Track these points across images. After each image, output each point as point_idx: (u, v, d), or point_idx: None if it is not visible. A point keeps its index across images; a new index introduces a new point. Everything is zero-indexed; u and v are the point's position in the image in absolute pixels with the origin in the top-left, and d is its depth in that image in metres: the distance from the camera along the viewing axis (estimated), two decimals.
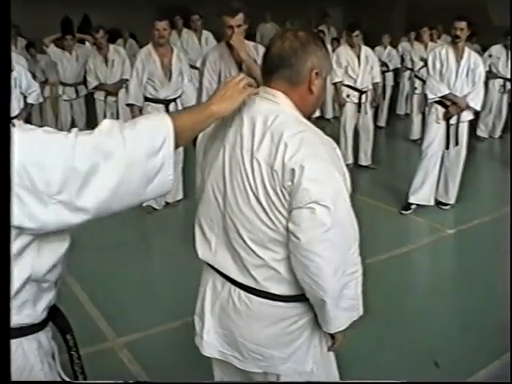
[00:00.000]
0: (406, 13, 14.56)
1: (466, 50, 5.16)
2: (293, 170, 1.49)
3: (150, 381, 2.92)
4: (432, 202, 5.41)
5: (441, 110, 5.11)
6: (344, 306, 1.62)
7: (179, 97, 5.19)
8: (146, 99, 5.10)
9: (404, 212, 5.32)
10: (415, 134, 8.13)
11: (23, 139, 1.23)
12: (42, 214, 1.25)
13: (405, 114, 9.51)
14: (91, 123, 7.18)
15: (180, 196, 5.53)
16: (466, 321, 3.50)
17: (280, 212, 1.55)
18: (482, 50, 8.49)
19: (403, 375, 2.94)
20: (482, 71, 5.17)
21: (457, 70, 5.06)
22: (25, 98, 5.32)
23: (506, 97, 8.40)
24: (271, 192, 1.54)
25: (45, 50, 7.34)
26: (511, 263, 3.33)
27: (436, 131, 5.17)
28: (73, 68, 7.26)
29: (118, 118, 6.78)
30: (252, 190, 1.57)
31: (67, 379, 1.55)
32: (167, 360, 3.06)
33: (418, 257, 4.69)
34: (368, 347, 3.10)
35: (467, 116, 5.16)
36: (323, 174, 1.52)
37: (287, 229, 1.56)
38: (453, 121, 5.11)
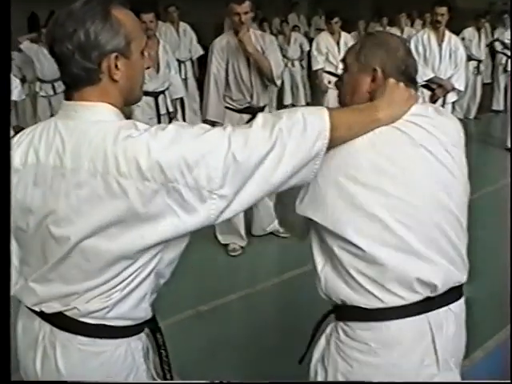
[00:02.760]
0: None
1: (447, 33, 5.33)
2: None
3: None
4: None
5: (426, 93, 5.26)
6: None
7: (167, 89, 5.17)
8: None
9: None
10: None
11: (185, 135, 1.25)
12: (202, 209, 1.26)
13: None
14: None
15: None
16: (466, 297, 3.61)
17: None
18: (452, 32, 8.68)
19: None
20: (462, 53, 5.37)
21: (440, 54, 5.23)
22: None
23: (479, 78, 8.62)
24: None
25: (19, 48, 7.22)
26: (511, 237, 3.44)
27: None
28: (50, 64, 7.12)
29: None
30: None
31: (158, 379, 1.54)
32: (181, 350, 3.09)
33: None
34: None
35: (452, 97, 5.34)
36: None
37: None
38: (438, 103, 5.25)
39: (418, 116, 1.54)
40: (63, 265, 1.33)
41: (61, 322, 1.37)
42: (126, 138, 1.23)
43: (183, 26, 7.80)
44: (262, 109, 4.20)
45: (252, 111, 4.14)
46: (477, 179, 6.33)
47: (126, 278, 1.34)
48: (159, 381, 1.54)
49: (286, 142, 1.30)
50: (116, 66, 1.30)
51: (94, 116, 1.30)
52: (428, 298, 1.50)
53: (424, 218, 1.49)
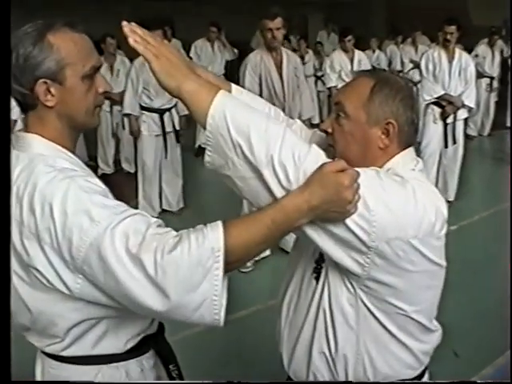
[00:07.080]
0: (387, 15, 14.77)
1: (457, 50, 5.37)
2: None
3: None
4: None
5: (437, 110, 5.31)
6: None
7: (174, 106, 5.20)
8: (142, 108, 5.13)
9: None
10: None
11: (81, 197, 1.18)
12: (68, 280, 1.20)
13: None
14: (90, 136, 7.03)
15: (181, 205, 5.55)
16: (477, 311, 3.61)
17: None
18: (464, 50, 8.68)
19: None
20: (473, 69, 5.39)
21: (449, 71, 5.27)
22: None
23: (492, 95, 8.62)
24: None
25: None
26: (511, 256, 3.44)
27: (433, 131, 5.35)
28: None
29: (123, 127, 6.57)
30: None
31: None
32: (190, 366, 3.10)
33: None
34: None
35: (462, 114, 5.37)
36: None
37: None
38: (449, 120, 5.30)
39: None
40: None
41: None
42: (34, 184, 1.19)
43: (219, 43, 8.01)
44: None
45: None
46: (491, 196, 6.33)
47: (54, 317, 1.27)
48: (160, 381, 1.48)
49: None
50: (49, 92, 1.25)
51: (28, 148, 1.26)
52: None
53: None
